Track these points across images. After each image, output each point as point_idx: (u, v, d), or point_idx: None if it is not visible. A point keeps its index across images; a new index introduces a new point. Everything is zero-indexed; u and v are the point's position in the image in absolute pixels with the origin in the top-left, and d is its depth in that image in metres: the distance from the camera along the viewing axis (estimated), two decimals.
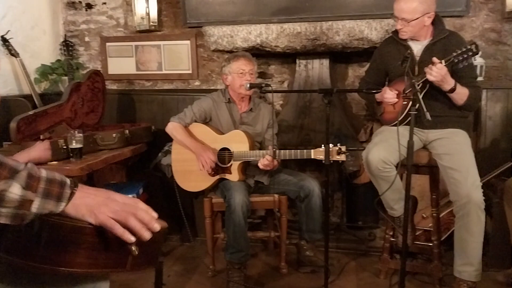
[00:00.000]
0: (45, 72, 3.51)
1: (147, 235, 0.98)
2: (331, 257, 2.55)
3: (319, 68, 3.29)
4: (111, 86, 3.74)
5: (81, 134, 2.56)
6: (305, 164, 3.20)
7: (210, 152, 2.62)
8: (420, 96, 2.06)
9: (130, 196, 2.80)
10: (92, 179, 3.01)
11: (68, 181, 0.97)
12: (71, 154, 2.55)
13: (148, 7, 3.43)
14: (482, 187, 2.26)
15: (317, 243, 2.77)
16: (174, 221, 3.20)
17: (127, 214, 0.97)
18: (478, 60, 2.92)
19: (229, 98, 2.77)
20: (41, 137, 2.71)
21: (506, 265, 2.57)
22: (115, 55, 3.72)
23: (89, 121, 3.15)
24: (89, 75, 3.12)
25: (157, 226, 1.00)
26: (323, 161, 2.32)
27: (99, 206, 0.97)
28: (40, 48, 3.57)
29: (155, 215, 1.02)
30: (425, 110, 1.98)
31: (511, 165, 2.75)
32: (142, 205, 1.02)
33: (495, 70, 3.10)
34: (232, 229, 2.52)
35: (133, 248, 0.97)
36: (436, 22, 2.40)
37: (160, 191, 3.17)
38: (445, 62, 2.17)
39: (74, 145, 2.54)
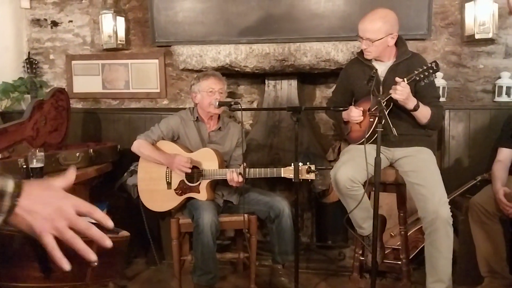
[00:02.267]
0: (6, 90, 3.40)
1: (93, 258, 0.87)
2: (301, 278, 2.51)
3: (287, 88, 3.32)
4: (76, 104, 3.66)
5: (42, 153, 2.47)
6: (275, 183, 3.19)
7: (181, 157, 2.57)
8: (386, 113, 2.09)
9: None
10: None
11: (9, 188, 0.81)
12: (32, 174, 2.45)
13: (115, 25, 3.40)
14: (448, 204, 2.30)
15: (288, 264, 2.73)
16: (140, 243, 3.10)
17: (73, 236, 0.85)
18: (440, 82, 3.03)
19: (197, 117, 2.74)
20: (0, 156, 2.59)
21: (473, 282, 2.59)
22: (81, 73, 3.65)
23: (52, 140, 3.04)
24: (53, 93, 3.03)
25: (109, 243, 0.89)
26: (293, 179, 2.32)
27: (41, 222, 0.83)
28: (1, 65, 3.47)
29: (110, 224, 0.91)
30: (391, 126, 2.01)
31: (475, 183, 2.82)
32: (97, 215, 0.89)
33: (457, 91, 3.21)
34: (200, 250, 2.45)
35: None
36: (399, 43, 2.47)
37: (125, 212, 3.07)
38: (408, 80, 2.22)
39: (35, 164, 2.44)
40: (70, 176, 0.95)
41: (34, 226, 0.83)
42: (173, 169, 2.59)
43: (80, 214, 0.88)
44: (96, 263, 0.88)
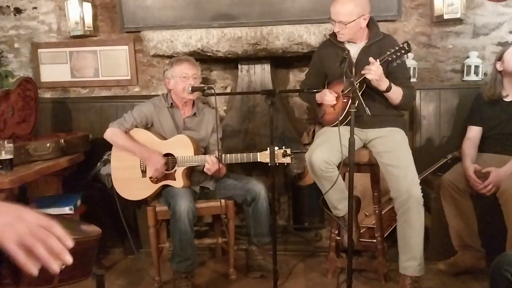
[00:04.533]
0: None
1: (55, 268, 0.85)
2: (279, 260, 2.53)
3: (261, 73, 3.31)
4: (44, 94, 3.55)
5: (11, 144, 2.40)
6: (251, 168, 3.19)
7: (158, 156, 2.54)
8: (359, 93, 2.11)
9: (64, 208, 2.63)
10: (25, 192, 2.83)
11: None
12: (1, 166, 2.38)
13: (82, 11, 3.29)
14: (420, 183, 2.35)
15: (266, 247, 2.75)
16: (116, 233, 3.06)
17: (35, 241, 0.84)
18: (411, 62, 3.07)
19: (171, 103, 2.70)
20: None
21: (447, 256, 2.68)
22: (48, 62, 3.53)
23: (21, 132, 2.96)
24: (19, 83, 2.94)
25: (68, 258, 0.88)
26: (269, 164, 2.32)
27: (3, 227, 0.83)
28: None
29: (69, 244, 0.90)
30: (364, 105, 2.02)
31: (446, 161, 2.90)
32: (56, 230, 0.89)
33: (427, 72, 3.26)
34: (178, 237, 2.44)
35: None
36: (371, 25, 2.48)
37: (100, 202, 3.02)
38: (380, 61, 2.24)
39: (4, 156, 2.38)
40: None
41: None
42: (148, 164, 2.56)
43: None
44: (63, 266, 0.86)
